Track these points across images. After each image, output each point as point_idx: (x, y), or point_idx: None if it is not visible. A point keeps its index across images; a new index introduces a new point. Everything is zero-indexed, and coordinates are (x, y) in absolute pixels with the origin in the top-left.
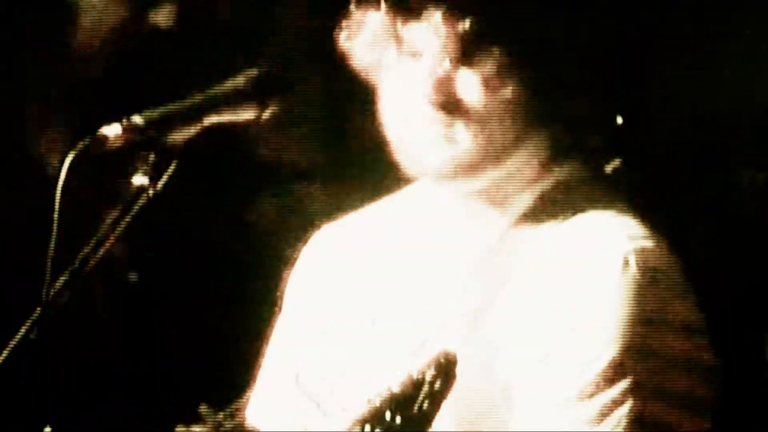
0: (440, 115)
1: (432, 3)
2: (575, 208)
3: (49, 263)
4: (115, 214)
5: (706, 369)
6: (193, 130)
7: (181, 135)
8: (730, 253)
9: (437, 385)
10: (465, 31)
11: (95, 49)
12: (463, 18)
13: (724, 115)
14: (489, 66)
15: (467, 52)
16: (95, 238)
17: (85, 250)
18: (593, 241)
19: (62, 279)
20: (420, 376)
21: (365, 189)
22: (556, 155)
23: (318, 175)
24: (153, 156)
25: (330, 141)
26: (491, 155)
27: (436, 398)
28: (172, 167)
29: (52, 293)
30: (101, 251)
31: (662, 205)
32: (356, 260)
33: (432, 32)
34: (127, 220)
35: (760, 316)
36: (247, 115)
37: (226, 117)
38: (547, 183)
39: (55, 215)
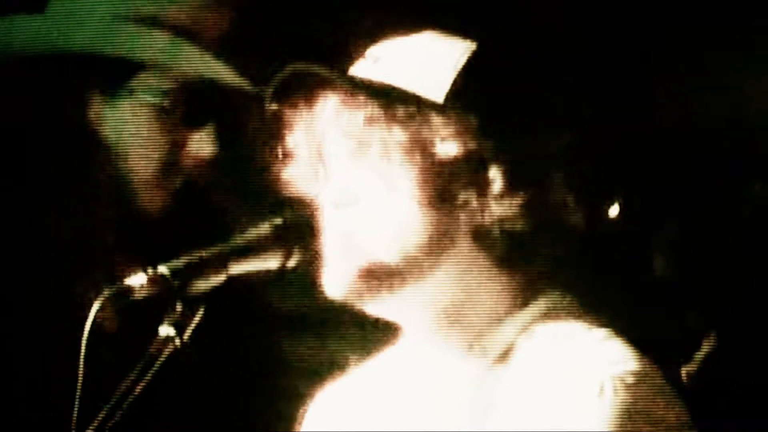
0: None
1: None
2: (555, 337)
3: (75, 414)
4: (141, 364)
5: None
6: (218, 279)
7: (206, 284)
8: (740, 266)
9: None
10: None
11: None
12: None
13: (734, 128)
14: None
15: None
16: (122, 389)
17: (112, 402)
18: (571, 370)
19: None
20: None
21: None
22: (532, 289)
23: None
24: (179, 306)
25: None
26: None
27: None
28: (198, 317)
29: None
30: (127, 402)
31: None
32: (357, 417)
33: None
34: (153, 370)
35: None
36: (271, 263)
37: (250, 266)
38: (525, 316)
39: (81, 364)
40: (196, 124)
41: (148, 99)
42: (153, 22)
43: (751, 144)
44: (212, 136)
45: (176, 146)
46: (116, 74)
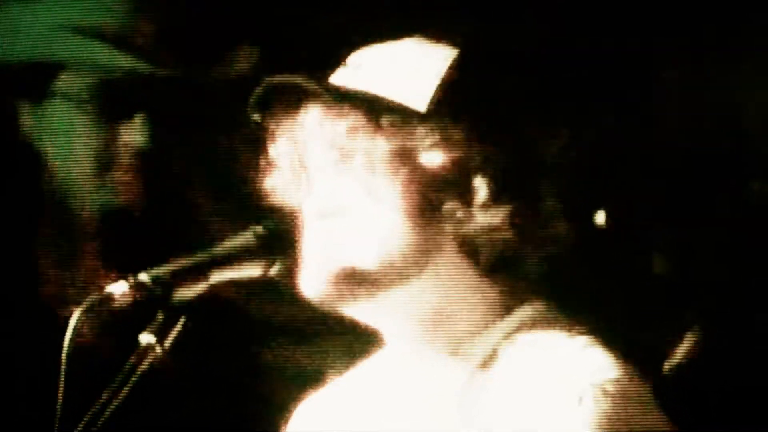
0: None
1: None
2: (537, 345)
3: (57, 420)
4: (123, 372)
5: None
6: (200, 288)
7: (188, 292)
8: (738, 265)
9: None
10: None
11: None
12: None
13: (732, 127)
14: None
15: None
16: (104, 396)
17: (93, 409)
18: (553, 378)
19: None
20: None
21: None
22: (516, 297)
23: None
24: (160, 314)
25: None
26: (390, 273)
27: None
28: (179, 325)
29: None
30: (109, 410)
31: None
32: (341, 424)
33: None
34: (135, 378)
35: None
36: (253, 272)
37: (232, 274)
38: (509, 324)
39: (62, 373)
40: (124, 117)
41: (72, 97)
42: (91, 32)
43: (750, 143)
44: (143, 126)
45: (110, 141)
46: (36, 79)
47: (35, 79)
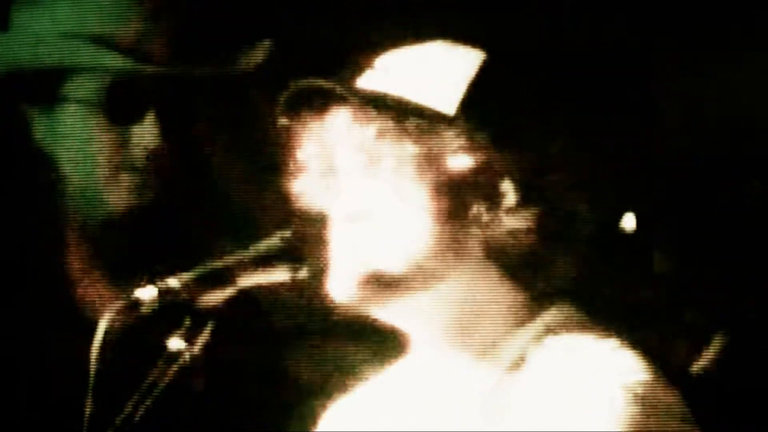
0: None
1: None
2: (566, 348)
3: (85, 426)
4: (152, 377)
5: None
6: (227, 293)
7: (215, 298)
8: (739, 264)
9: None
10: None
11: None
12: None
13: (733, 127)
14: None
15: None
16: (132, 401)
17: (122, 415)
18: (582, 381)
19: None
20: None
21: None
22: (543, 300)
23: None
24: (188, 319)
25: None
26: (418, 276)
27: None
28: (208, 330)
29: None
30: (137, 415)
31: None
32: (369, 430)
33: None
34: (163, 383)
35: None
36: (281, 276)
37: (259, 279)
38: (537, 327)
39: (91, 377)
40: (134, 119)
41: (81, 102)
42: (99, 39)
43: (751, 142)
44: (154, 127)
45: (121, 144)
46: (47, 85)
47: (45, 86)
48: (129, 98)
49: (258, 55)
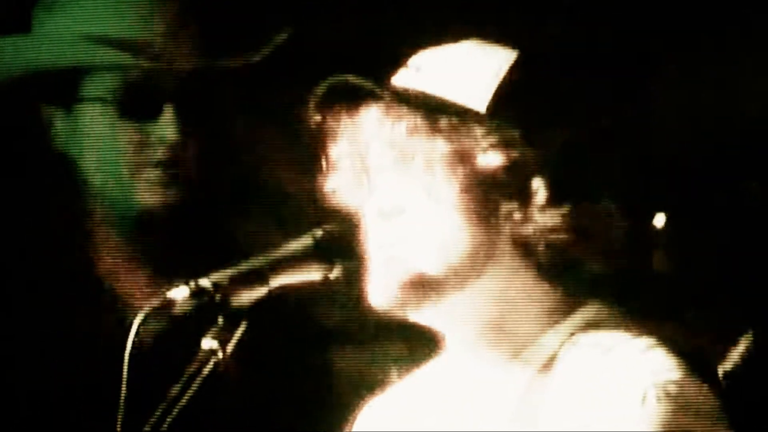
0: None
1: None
2: (598, 347)
3: (119, 426)
4: (186, 377)
5: None
6: (259, 293)
7: (248, 297)
8: (738, 264)
9: None
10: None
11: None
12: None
13: (732, 126)
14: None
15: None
16: (166, 401)
17: (156, 415)
18: (614, 379)
19: None
20: None
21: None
22: (575, 299)
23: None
24: (221, 319)
25: None
26: (452, 276)
27: None
28: (241, 330)
29: None
30: (171, 415)
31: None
32: (403, 429)
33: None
34: (197, 383)
35: None
36: (314, 276)
37: (292, 279)
38: (569, 326)
39: (124, 377)
40: (153, 114)
41: (99, 100)
42: (123, 40)
43: (749, 142)
44: (172, 120)
45: (142, 141)
46: (64, 86)
47: (65, 86)
48: (145, 94)
49: (275, 44)
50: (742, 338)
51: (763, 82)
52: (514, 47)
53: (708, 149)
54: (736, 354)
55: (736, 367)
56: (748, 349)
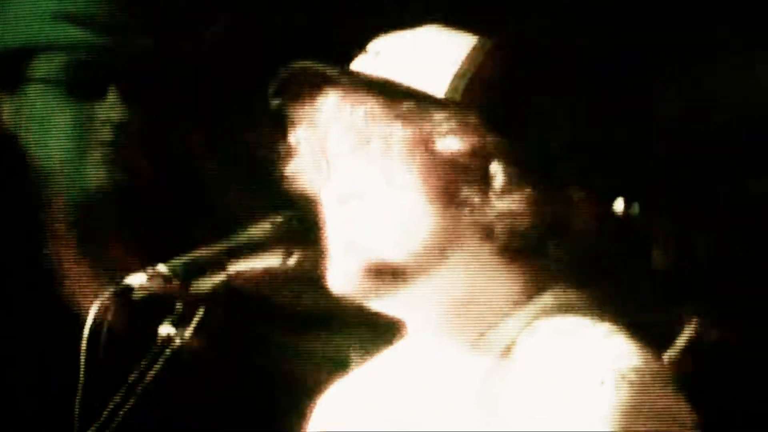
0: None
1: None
2: (558, 332)
3: (77, 414)
4: (143, 363)
5: None
6: (218, 279)
7: (206, 283)
8: (737, 261)
9: None
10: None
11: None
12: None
13: (732, 123)
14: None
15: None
16: (124, 388)
17: (114, 401)
18: (573, 364)
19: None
20: None
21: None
22: (537, 284)
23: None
24: (179, 305)
25: None
26: (412, 262)
27: None
28: (198, 316)
29: None
30: (130, 402)
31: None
32: (364, 413)
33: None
34: (155, 368)
35: None
36: (272, 262)
37: (251, 264)
38: (529, 311)
39: (81, 364)
40: (98, 94)
41: (45, 81)
42: (70, 18)
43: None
44: (117, 100)
45: (88, 121)
46: (11, 67)
47: (11, 67)
48: (92, 74)
49: (220, 28)
50: (686, 326)
51: (760, 79)
52: (473, 33)
53: (709, 145)
54: (681, 341)
55: (681, 354)
56: (691, 337)
